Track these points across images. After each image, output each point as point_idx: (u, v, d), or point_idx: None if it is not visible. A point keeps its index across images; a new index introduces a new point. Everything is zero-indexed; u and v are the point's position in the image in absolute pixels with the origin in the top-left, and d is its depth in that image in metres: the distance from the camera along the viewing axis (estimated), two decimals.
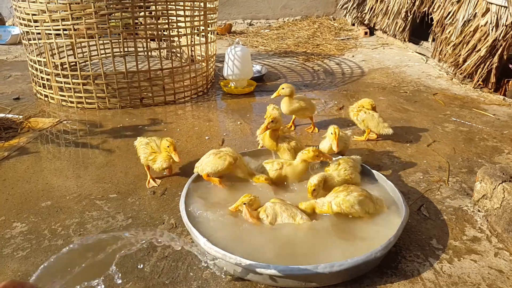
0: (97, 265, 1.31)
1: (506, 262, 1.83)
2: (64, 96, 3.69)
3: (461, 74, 4.32)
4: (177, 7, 3.70)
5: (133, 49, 3.71)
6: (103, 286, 1.32)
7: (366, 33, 6.63)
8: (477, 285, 1.70)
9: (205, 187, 2.26)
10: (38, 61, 3.71)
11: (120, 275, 1.73)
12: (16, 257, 1.86)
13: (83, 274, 1.25)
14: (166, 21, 3.67)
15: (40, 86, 3.82)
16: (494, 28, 3.83)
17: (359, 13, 6.79)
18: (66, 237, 2.00)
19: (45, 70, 3.69)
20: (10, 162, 2.72)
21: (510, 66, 4.02)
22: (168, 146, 2.32)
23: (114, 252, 1.38)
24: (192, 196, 2.14)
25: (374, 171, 2.35)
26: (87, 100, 3.64)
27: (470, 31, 4.11)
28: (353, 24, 7.21)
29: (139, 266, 1.79)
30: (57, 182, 2.49)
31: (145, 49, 4.51)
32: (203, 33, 3.98)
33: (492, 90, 4.08)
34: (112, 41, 3.53)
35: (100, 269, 1.37)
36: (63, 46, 3.99)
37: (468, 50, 4.13)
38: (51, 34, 3.46)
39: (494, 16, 3.84)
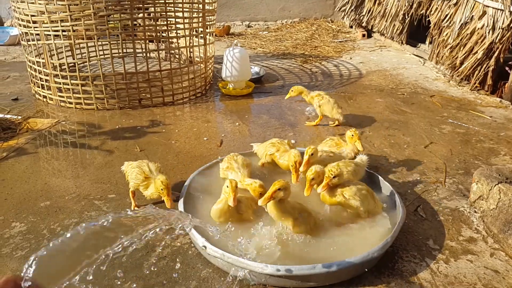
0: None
1: (502, 263, 1.85)
2: (62, 96, 3.69)
3: (458, 76, 4.35)
4: (175, 8, 3.72)
5: (131, 50, 3.73)
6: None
7: (364, 35, 6.66)
8: (473, 285, 1.72)
9: (203, 187, 2.27)
10: (37, 62, 3.72)
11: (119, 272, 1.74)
12: (15, 256, 1.87)
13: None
14: (165, 22, 3.68)
15: (39, 87, 3.83)
16: (490, 31, 3.86)
17: (357, 16, 6.82)
18: None
19: (43, 71, 3.69)
20: (9, 162, 2.73)
21: (507, 68, 4.05)
22: (162, 190, 2.05)
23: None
24: (190, 197, 2.15)
25: (371, 172, 2.37)
26: (85, 101, 3.65)
27: (467, 34, 4.14)
28: (351, 27, 7.25)
29: (138, 265, 1.80)
30: (56, 182, 2.50)
31: (143, 50, 4.52)
32: (202, 35, 4.00)
33: (489, 92, 4.11)
34: (111, 42, 3.54)
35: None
36: (61, 47, 3.99)
37: (465, 53, 4.16)
38: (50, 35, 3.47)
39: (490, 19, 3.87)
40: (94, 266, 1.19)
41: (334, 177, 1.97)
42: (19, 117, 3.40)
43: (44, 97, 3.81)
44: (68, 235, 1.17)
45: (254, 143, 2.63)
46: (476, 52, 4.03)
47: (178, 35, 3.99)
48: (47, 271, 1.04)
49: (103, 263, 1.22)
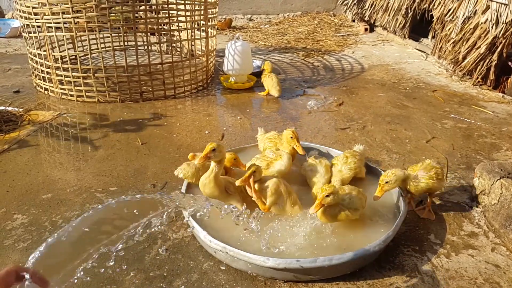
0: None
1: (503, 257, 1.85)
2: (64, 89, 3.69)
3: (460, 71, 4.33)
4: (177, 1, 3.70)
5: (133, 43, 3.71)
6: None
7: (366, 29, 6.63)
8: (474, 279, 1.72)
9: None
10: (38, 54, 3.71)
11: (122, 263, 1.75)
12: (17, 248, 1.88)
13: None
14: (167, 15, 3.66)
15: (40, 79, 3.82)
16: (494, 26, 3.84)
17: (360, 10, 6.78)
18: None
19: (45, 63, 3.68)
20: (11, 154, 2.73)
21: (510, 63, 4.03)
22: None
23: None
24: (191, 189, 2.15)
25: (373, 166, 2.37)
26: (87, 93, 3.64)
27: (470, 28, 4.12)
28: (353, 21, 7.21)
29: (139, 258, 1.81)
30: (57, 175, 2.50)
31: (145, 43, 4.50)
32: (204, 28, 3.98)
33: (491, 87, 4.09)
34: (113, 35, 3.53)
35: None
36: (63, 40, 3.98)
37: (468, 47, 4.14)
38: (51, 27, 3.46)
39: (494, 13, 3.84)
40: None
41: (327, 196, 1.77)
42: (21, 110, 3.39)
43: (46, 89, 3.81)
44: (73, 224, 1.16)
45: (260, 128, 2.58)
46: (479, 47, 4.01)
47: (180, 28, 3.97)
48: (49, 261, 1.03)
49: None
